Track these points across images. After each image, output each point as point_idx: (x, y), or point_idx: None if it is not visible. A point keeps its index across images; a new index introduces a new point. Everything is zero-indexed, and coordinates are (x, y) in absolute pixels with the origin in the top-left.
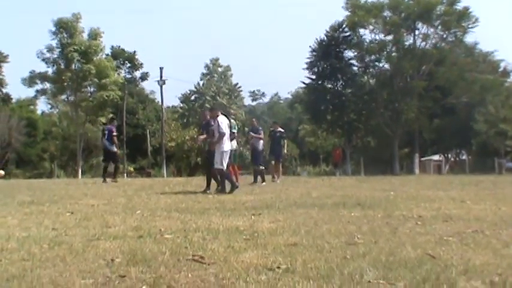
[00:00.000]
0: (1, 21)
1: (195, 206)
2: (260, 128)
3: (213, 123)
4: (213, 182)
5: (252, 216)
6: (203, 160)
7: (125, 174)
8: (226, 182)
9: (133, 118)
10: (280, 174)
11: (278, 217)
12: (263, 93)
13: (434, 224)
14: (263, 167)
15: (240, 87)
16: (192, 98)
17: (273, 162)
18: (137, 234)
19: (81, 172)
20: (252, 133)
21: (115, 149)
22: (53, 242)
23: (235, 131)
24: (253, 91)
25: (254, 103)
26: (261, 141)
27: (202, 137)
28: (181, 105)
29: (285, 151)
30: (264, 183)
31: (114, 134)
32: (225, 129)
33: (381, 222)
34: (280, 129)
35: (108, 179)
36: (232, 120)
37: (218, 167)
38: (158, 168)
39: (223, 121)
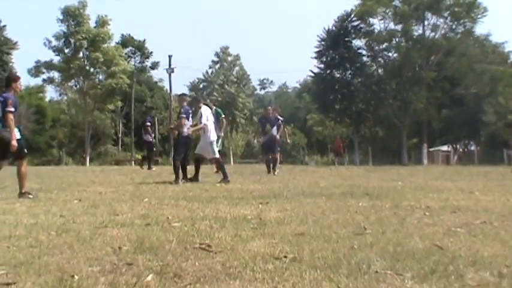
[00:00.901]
0: (11, 8)
1: (202, 195)
2: (278, 117)
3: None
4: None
5: (260, 205)
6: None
7: (133, 162)
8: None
9: (141, 106)
10: (277, 164)
11: (286, 206)
12: (271, 81)
13: (443, 215)
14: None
15: (248, 75)
16: (201, 86)
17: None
18: (144, 222)
19: (89, 159)
20: (269, 126)
21: (149, 139)
22: (60, 229)
23: (223, 115)
24: (262, 80)
25: (262, 92)
26: (280, 131)
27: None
28: (190, 93)
29: (288, 140)
30: (276, 171)
31: (147, 124)
32: (207, 119)
33: (388, 212)
34: (278, 116)
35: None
36: (215, 108)
37: (213, 157)
38: (166, 156)
39: (204, 112)
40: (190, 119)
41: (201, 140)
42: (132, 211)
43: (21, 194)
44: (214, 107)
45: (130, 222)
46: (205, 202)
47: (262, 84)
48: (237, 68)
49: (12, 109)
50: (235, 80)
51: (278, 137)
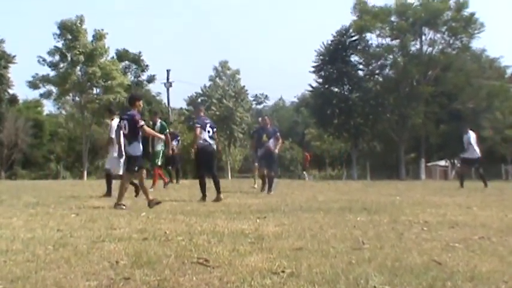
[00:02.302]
0: (9, 21)
1: (200, 209)
2: (276, 129)
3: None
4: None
5: (257, 220)
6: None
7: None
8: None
9: None
10: (273, 183)
11: (283, 221)
12: (266, 96)
13: (440, 230)
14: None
15: (246, 90)
16: (199, 100)
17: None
18: (142, 237)
19: (87, 173)
20: (265, 137)
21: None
22: (57, 244)
23: (166, 132)
24: (256, 95)
25: (260, 106)
26: (277, 145)
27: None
28: (188, 107)
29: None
30: (272, 192)
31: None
32: (115, 133)
33: (386, 227)
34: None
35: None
36: (160, 122)
37: (118, 173)
38: (164, 170)
39: (114, 124)
40: (208, 128)
41: (109, 154)
42: (130, 225)
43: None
44: (159, 121)
45: (127, 236)
46: (203, 216)
47: (257, 99)
48: (234, 83)
49: (143, 122)
50: (233, 94)
51: (276, 150)
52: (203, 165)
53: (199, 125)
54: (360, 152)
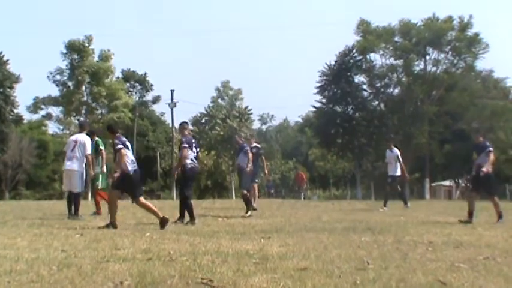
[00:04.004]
0: (14, 42)
1: (204, 229)
2: (245, 145)
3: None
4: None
5: (262, 240)
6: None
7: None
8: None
9: (143, 140)
10: (256, 198)
11: (288, 241)
12: (272, 115)
13: (445, 250)
14: (246, 192)
15: (250, 110)
16: (203, 120)
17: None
18: (146, 257)
19: (91, 194)
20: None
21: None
22: (62, 264)
23: (102, 147)
24: (262, 114)
25: (264, 127)
26: (248, 161)
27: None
28: (192, 127)
29: (266, 171)
30: (249, 214)
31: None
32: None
33: (391, 247)
34: (256, 144)
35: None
36: (95, 141)
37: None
38: (168, 191)
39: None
40: (194, 149)
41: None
42: (134, 246)
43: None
44: (95, 138)
45: (132, 257)
46: (207, 237)
47: (263, 119)
48: (238, 103)
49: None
50: (237, 114)
51: (247, 167)
52: (190, 187)
53: (186, 145)
54: (364, 172)
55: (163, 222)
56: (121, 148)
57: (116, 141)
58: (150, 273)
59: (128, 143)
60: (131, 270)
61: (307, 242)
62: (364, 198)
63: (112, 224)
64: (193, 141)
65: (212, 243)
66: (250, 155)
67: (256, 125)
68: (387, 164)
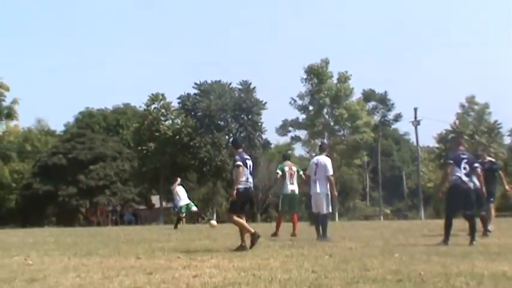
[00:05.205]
0: (259, 69)
1: (456, 249)
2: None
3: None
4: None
5: None
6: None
7: (381, 217)
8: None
9: (388, 160)
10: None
11: None
12: None
13: None
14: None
15: (499, 124)
16: (449, 137)
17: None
18: (396, 278)
19: (338, 215)
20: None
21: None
22: (313, 285)
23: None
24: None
25: None
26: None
27: None
28: (438, 145)
29: (507, 187)
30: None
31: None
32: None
33: None
34: (490, 158)
35: None
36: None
37: None
38: (416, 211)
39: None
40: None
41: None
42: (383, 266)
43: None
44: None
45: (381, 278)
46: (459, 257)
47: None
48: (487, 117)
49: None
50: (485, 129)
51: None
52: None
53: (452, 162)
54: None
55: (253, 238)
56: (239, 165)
57: (237, 157)
58: None
59: (248, 161)
60: None
61: None
62: None
63: (241, 247)
64: (462, 157)
65: (465, 264)
66: (479, 170)
67: (506, 140)
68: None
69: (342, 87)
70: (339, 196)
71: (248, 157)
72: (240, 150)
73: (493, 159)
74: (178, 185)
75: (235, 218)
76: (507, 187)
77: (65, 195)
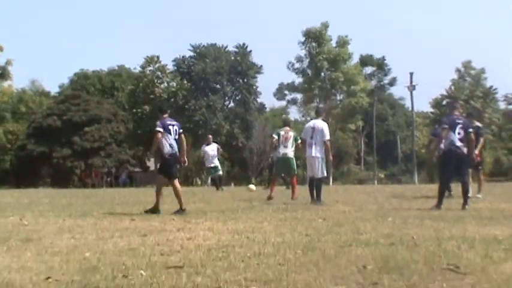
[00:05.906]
0: (256, 33)
1: (448, 214)
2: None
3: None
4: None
5: None
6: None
7: (375, 181)
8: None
9: (383, 124)
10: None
11: None
12: None
13: None
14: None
15: (495, 89)
16: (444, 102)
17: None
18: (389, 242)
19: (332, 179)
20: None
21: None
22: (306, 248)
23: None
24: (506, 95)
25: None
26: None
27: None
28: (433, 110)
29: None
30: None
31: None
32: None
33: None
34: (477, 123)
35: None
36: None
37: None
38: (409, 175)
39: None
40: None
41: None
42: (376, 230)
43: None
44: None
45: (374, 241)
46: (452, 221)
47: (508, 99)
48: (483, 82)
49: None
50: (480, 95)
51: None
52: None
53: (446, 126)
54: None
55: (181, 210)
56: (158, 131)
57: (158, 122)
58: (393, 258)
59: (171, 127)
60: (374, 254)
61: None
62: None
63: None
64: (457, 121)
65: (457, 229)
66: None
67: (501, 105)
68: None
69: (340, 51)
70: (333, 160)
71: (174, 123)
72: (165, 115)
73: (480, 125)
74: (207, 144)
75: (160, 182)
76: (477, 151)
77: (59, 156)
